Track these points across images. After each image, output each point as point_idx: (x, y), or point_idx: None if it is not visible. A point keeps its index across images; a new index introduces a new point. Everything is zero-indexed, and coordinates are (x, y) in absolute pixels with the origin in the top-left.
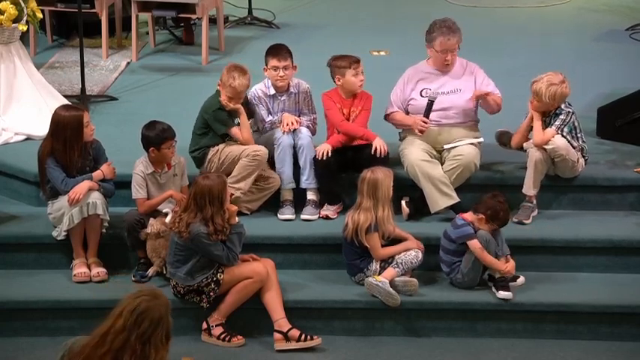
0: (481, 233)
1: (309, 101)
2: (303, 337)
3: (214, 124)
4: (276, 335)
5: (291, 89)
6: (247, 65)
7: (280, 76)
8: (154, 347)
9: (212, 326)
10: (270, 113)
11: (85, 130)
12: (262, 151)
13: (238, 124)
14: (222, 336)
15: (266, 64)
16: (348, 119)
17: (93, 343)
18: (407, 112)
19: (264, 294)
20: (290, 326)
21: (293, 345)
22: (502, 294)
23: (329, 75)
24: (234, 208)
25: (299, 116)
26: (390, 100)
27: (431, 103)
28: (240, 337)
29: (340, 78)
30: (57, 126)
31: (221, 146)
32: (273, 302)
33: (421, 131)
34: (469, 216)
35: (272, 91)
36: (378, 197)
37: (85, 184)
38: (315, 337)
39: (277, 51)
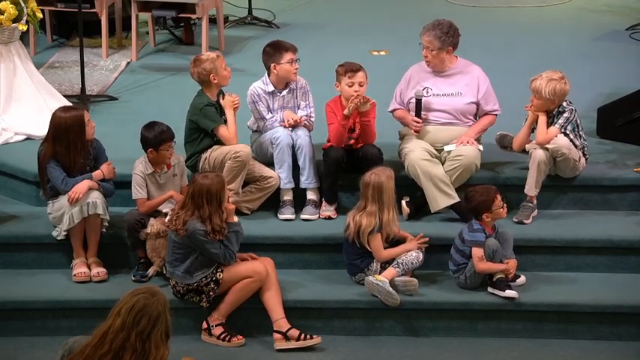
0: (489, 243)
1: (307, 96)
2: (302, 336)
3: (203, 121)
4: (276, 335)
5: (291, 85)
6: (247, 65)
7: (296, 69)
8: (155, 345)
9: (212, 326)
10: (269, 110)
11: (87, 128)
12: (243, 151)
13: (226, 122)
14: (223, 336)
15: (276, 62)
16: (353, 129)
17: (93, 343)
18: (409, 110)
19: (264, 294)
20: (289, 326)
21: (293, 344)
22: (509, 293)
23: (328, 75)
24: (232, 206)
25: (296, 111)
26: (394, 96)
27: (419, 101)
28: (240, 336)
29: (338, 85)
30: (58, 129)
31: (208, 152)
32: (273, 302)
33: (416, 131)
34: (482, 221)
35: (270, 88)
36: (384, 201)
37: (84, 184)
38: (314, 336)
39: (290, 44)
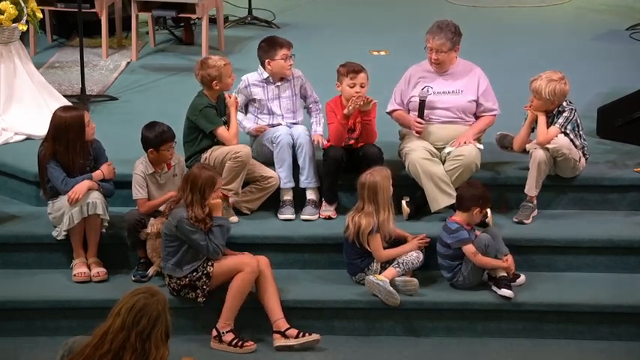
0: (481, 238)
1: (307, 86)
2: (301, 334)
3: (202, 123)
4: (275, 335)
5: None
6: (247, 65)
7: (290, 65)
8: (155, 345)
9: (222, 333)
10: (266, 99)
11: (87, 129)
12: (243, 151)
13: (225, 123)
14: (234, 342)
15: (270, 58)
16: (354, 129)
17: (93, 343)
18: (409, 110)
19: (262, 294)
20: (288, 326)
21: (292, 341)
22: (505, 292)
23: (329, 75)
24: (217, 202)
25: (305, 101)
26: (392, 96)
27: (422, 102)
28: (251, 342)
29: (339, 85)
30: (58, 128)
31: (208, 152)
32: (271, 303)
33: (418, 132)
34: (459, 217)
35: (265, 75)
36: (379, 201)
37: (84, 184)
38: (312, 333)
39: (284, 40)
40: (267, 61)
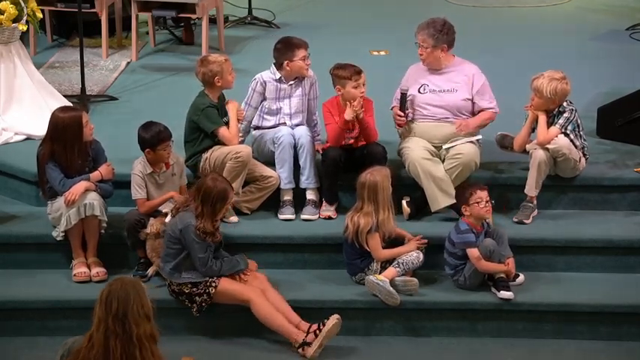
0: (486, 244)
1: (315, 87)
2: (317, 330)
3: (204, 123)
4: (302, 350)
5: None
6: (247, 65)
7: (308, 64)
8: (134, 322)
9: (304, 341)
10: (277, 98)
11: (85, 130)
12: (244, 152)
13: (226, 123)
14: (316, 330)
15: (289, 59)
16: (352, 129)
17: (84, 346)
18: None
19: (272, 320)
20: (303, 333)
21: (319, 341)
22: (504, 294)
23: (328, 75)
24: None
25: (304, 100)
26: (395, 95)
27: (403, 95)
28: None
29: (340, 89)
30: (56, 128)
31: (209, 153)
32: (283, 325)
33: (399, 125)
34: (467, 214)
35: (278, 75)
36: (379, 201)
37: (81, 185)
38: (325, 321)
39: (301, 41)
40: (285, 62)
